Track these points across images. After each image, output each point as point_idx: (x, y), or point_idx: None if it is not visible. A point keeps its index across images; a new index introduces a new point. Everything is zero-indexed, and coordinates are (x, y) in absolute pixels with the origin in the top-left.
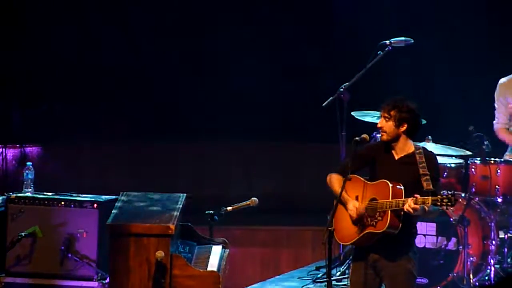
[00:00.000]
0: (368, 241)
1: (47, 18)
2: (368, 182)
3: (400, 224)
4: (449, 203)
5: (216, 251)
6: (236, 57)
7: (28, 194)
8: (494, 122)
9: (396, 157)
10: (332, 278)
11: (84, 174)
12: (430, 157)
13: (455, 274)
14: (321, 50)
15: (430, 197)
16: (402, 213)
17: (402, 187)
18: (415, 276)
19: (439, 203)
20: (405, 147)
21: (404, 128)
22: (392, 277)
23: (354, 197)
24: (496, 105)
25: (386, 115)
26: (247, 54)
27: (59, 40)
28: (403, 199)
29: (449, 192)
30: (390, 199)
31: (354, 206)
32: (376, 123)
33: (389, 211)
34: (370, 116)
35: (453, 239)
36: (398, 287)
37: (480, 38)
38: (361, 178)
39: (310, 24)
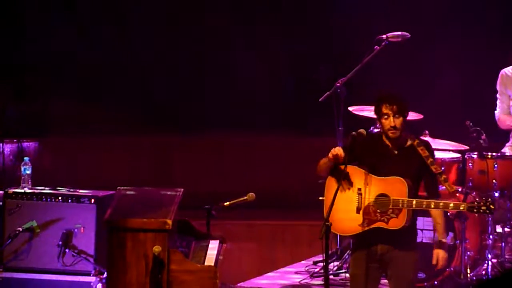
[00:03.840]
0: (374, 235)
1: (44, 14)
2: (373, 176)
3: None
4: (487, 211)
5: (214, 246)
6: (235, 50)
7: (26, 189)
8: (495, 112)
9: (396, 151)
10: (330, 273)
11: (82, 169)
12: (428, 145)
13: (452, 269)
14: (319, 44)
15: (465, 203)
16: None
17: (411, 184)
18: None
19: (475, 210)
20: (401, 139)
21: (406, 119)
22: (401, 267)
23: (355, 188)
24: (498, 96)
25: (396, 112)
26: (247, 48)
27: (56, 35)
28: (428, 200)
29: (484, 198)
30: (408, 198)
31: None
32: (373, 118)
33: (405, 210)
34: (367, 111)
35: (451, 234)
36: (407, 276)
37: (479, 31)
38: (362, 170)
39: (309, 17)
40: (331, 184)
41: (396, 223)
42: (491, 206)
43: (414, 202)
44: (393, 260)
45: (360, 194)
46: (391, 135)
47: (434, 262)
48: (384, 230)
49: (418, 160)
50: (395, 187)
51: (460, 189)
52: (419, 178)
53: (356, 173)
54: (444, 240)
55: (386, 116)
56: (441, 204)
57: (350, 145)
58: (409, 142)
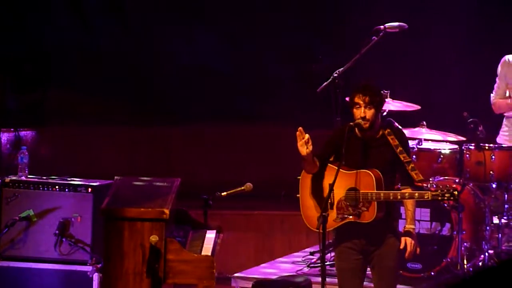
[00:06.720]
0: (352, 228)
1: (43, 3)
2: (342, 171)
3: (385, 210)
4: (451, 197)
5: (211, 236)
6: (232, 41)
7: (23, 178)
8: (491, 95)
9: (367, 142)
10: (326, 263)
11: (79, 159)
12: (399, 133)
13: (449, 260)
14: (317, 35)
15: (429, 192)
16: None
17: (381, 176)
18: (401, 255)
19: (440, 198)
20: (373, 131)
21: (380, 111)
22: (382, 256)
23: (327, 184)
24: (497, 79)
25: (368, 104)
26: (245, 39)
27: (54, 24)
28: (394, 191)
29: (448, 186)
30: (376, 191)
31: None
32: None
33: (375, 202)
34: None
35: (447, 225)
36: (389, 265)
37: (478, 20)
38: (332, 165)
39: (304, 8)
40: (305, 181)
41: (367, 216)
42: (455, 192)
43: (381, 194)
44: (375, 250)
45: (331, 190)
46: (363, 125)
47: (402, 246)
48: (359, 223)
49: (389, 150)
50: (363, 180)
51: (457, 180)
52: (393, 168)
53: (326, 169)
54: (411, 230)
55: (357, 106)
56: (407, 194)
57: (346, 135)
58: (380, 132)
